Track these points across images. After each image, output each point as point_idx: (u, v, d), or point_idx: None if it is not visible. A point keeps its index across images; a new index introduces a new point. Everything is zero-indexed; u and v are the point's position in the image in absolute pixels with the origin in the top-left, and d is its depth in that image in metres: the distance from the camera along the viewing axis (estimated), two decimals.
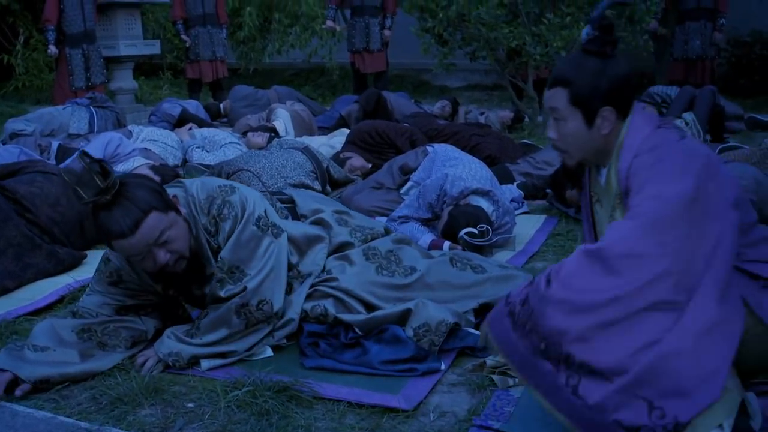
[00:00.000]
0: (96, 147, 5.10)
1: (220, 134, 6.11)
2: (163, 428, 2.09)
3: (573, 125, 2.11)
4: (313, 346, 2.50)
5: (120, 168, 5.09)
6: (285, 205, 2.98)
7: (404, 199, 4.09)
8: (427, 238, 3.59)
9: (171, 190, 2.49)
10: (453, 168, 3.84)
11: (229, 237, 2.48)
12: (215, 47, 9.38)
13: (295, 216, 2.97)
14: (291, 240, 2.69)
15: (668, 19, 8.99)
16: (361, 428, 2.06)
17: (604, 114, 2.08)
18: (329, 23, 9.67)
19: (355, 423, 2.09)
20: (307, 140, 5.78)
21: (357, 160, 5.18)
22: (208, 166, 5.37)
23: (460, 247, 3.42)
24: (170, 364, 2.42)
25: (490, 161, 5.05)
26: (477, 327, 2.54)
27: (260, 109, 7.60)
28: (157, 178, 3.94)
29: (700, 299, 1.76)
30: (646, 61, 9.53)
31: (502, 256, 3.56)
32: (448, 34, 7.63)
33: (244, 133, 6.53)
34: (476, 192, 3.68)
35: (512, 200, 4.39)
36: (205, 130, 6.26)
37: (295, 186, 4.32)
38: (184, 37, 9.33)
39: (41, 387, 2.31)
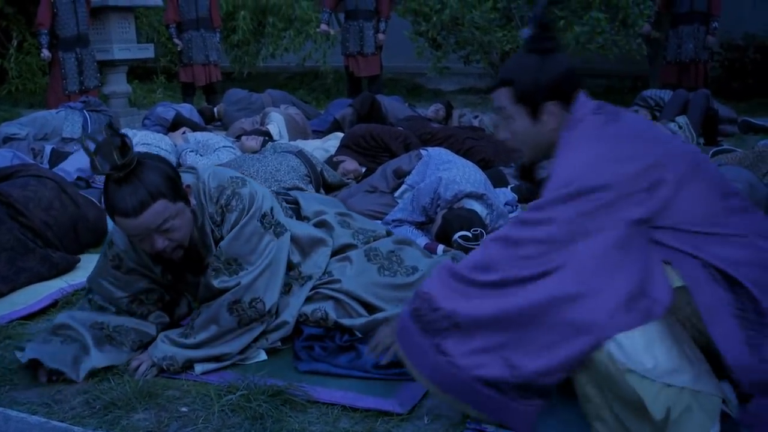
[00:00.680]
0: None
1: (214, 138, 6.10)
2: None
3: (520, 123, 2.17)
4: (308, 350, 2.49)
5: None
6: (289, 205, 2.98)
7: (398, 203, 4.09)
8: (421, 241, 3.59)
9: (185, 177, 2.49)
10: (447, 171, 3.84)
11: (232, 229, 2.48)
12: (208, 51, 9.38)
13: (299, 217, 2.97)
14: (294, 240, 2.68)
15: (661, 23, 9.02)
16: None
17: (548, 109, 2.13)
18: (323, 27, 9.68)
19: (350, 427, 2.09)
20: (301, 144, 5.78)
21: (351, 164, 5.18)
22: None
23: (454, 251, 3.42)
24: (165, 368, 2.41)
25: (484, 164, 5.06)
26: None
27: (254, 112, 7.60)
28: None
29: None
30: (639, 64, 9.56)
31: None
32: (442, 37, 7.66)
33: (238, 137, 6.52)
34: (470, 195, 3.69)
35: (506, 203, 4.39)
36: (198, 134, 6.25)
37: (288, 190, 4.32)
38: (176, 40, 9.32)
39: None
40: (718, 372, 1.88)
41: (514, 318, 1.87)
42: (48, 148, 5.44)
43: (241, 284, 2.45)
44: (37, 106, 9.77)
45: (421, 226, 3.81)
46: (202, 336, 2.45)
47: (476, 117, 7.77)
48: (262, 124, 6.86)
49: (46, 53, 8.20)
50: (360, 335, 2.55)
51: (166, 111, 7.27)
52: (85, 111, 6.80)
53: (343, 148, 5.51)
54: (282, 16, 11.96)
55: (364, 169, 5.20)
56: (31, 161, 4.83)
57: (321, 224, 2.90)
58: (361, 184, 4.61)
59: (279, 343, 2.57)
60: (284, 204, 2.90)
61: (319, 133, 6.95)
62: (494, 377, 1.86)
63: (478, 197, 3.69)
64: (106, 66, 9.06)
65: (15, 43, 11.37)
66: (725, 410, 1.86)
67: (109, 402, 2.22)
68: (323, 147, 5.92)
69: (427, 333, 1.97)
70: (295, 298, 2.64)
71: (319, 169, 4.78)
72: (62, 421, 2.15)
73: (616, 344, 1.79)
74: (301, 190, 4.40)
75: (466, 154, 5.08)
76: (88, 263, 2.99)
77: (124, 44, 9.21)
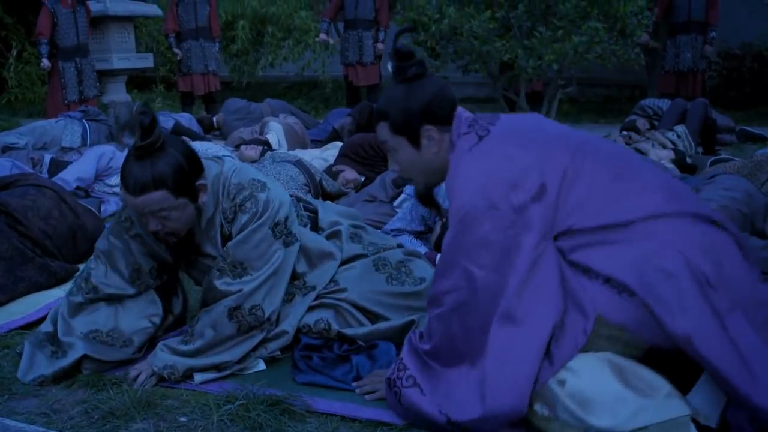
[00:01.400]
0: (89, 160, 5.10)
1: (213, 147, 6.11)
2: None
3: (403, 153, 2.21)
4: (306, 360, 2.49)
5: (113, 181, 5.09)
6: (308, 213, 2.97)
7: (397, 212, 4.09)
8: (420, 251, 3.59)
9: (208, 166, 2.53)
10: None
11: (241, 230, 2.49)
12: (207, 60, 9.39)
13: (314, 227, 2.96)
14: (303, 250, 2.68)
15: (659, 33, 9.05)
16: None
17: (426, 133, 2.16)
18: (322, 36, 9.71)
19: None
20: (300, 153, 5.79)
21: (350, 173, 5.19)
22: None
23: None
24: (165, 377, 2.41)
25: None
26: None
27: (253, 122, 7.61)
28: None
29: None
30: (637, 73, 9.58)
31: None
32: (441, 47, 7.67)
33: (237, 146, 6.53)
34: None
35: None
36: (197, 144, 6.25)
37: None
38: (175, 50, 9.34)
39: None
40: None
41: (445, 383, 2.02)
42: (47, 158, 5.44)
43: (243, 291, 2.45)
44: (37, 115, 9.78)
45: (420, 236, 3.81)
46: (201, 342, 2.45)
47: None
48: (261, 133, 6.87)
49: (45, 63, 8.22)
50: (362, 344, 2.55)
51: (165, 120, 7.27)
52: (84, 120, 6.80)
53: (342, 157, 5.51)
54: (281, 26, 11.99)
55: (363, 179, 5.21)
56: (30, 170, 4.83)
57: (333, 235, 2.89)
58: (360, 194, 4.61)
59: (278, 353, 2.57)
60: (302, 212, 2.89)
61: (318, 143, 6.95)
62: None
63: None
64: (105, 75, 9.08)
65: (14, 52, 11.38)
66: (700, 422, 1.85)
67: (108, 412, 2.22)
68: (322, 156, 5.92)
69: (392, 392, 2.12)
70: (296, 308, 2.63)
71: (318, 178, 4.78)
72: (61, 431, 2.15)
73: (566, 407, 1.83)
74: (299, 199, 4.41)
75: None
76: None
77: (123, 54, 9.24)
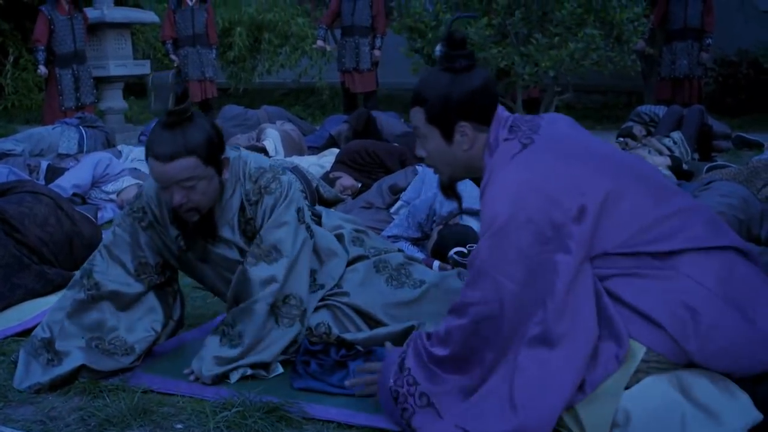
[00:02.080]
0: (85, 167, 5.10)
1: None
2: None
3: (433, 143, 2.14)
4: (305, 365, 2.48)
5: (110, 188, 5.09)
6: (313, 217, 2.99)
7: (394, 219, 4.10)
8: (417, 257, 3.59)
9: (228, 151, 2.54)
10: None
11: (270, 212, 2.51)
12: (204, 67, 9.40)
13: None
14: (314, 246, 2.69)
15: (656, 39, 9.08)
16: None
17: (460, 129, 2.08)
18: (319, 43, 9.72)
19: None
20: (296, 160, 5.79)
21: (347, 180, 5.19)
22: None
23: (450, 267, 3.42)
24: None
25: (480, 180, 5.06)
26: None
27: (250, 128, 7.60)
28: None
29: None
30: (634, 80, 9.60)
31: None
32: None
33: None
34: (466, 211, 3.69)
35: None
36: None
37: None
38: (172, 56, 9.35)
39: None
40: None
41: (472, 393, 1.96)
42: (44, 165, 5.43)
43: (277, 279, 2.47)
44: (33, 122, 9.78)
45: (416, 242, 3.82)
46: (246, 343, 2.45)
47: None
48: (258, 140, 6.86)
49: (42, 69, 8.21)
50: (361, 349, 2.55)
51: None
52: (81, 127, 6.80)
53: (339, 164, 5.51)
54: (278, 33, 12.00)
55: (360, 185, 5.21)
56: (27, 177, 4.83)
57: (337, 238, 2.91)
58: (357, 200, 4.62)
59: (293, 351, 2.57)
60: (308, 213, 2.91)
61: (315, 149, 6.95)
62: None
63: (474, 213, 3.69)
64: (102, 82, 9.06)
65: (11, 59, 11.39)
66: None
67: (104, 419, 2.21)
68: (319, 163, 5.92)
69: (399, 406, 2.05)
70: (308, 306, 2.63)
71: (314, 185, 4.78)
72: None
73: None
74: None
75: None
76: None
77: (120, 60, 9.22)
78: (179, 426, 2.20)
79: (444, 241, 3.52)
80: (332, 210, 3.79)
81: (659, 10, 8.78)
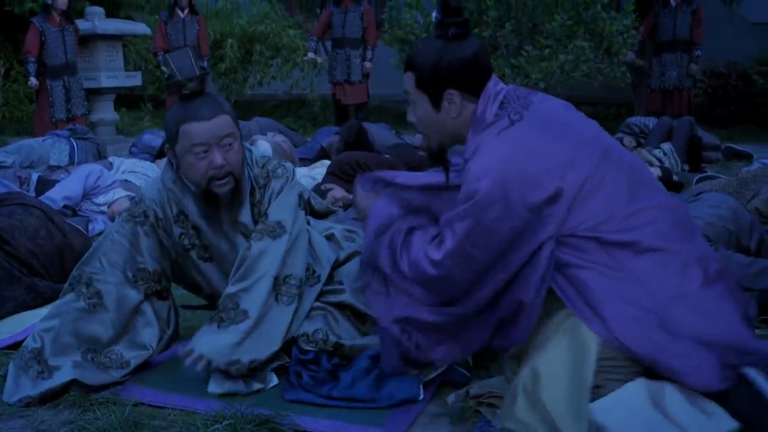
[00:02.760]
0: (76, 179, 5.09)
1: None
2: None
3: (422, 109, 2.16)
4: (297, 376, 2.47)
5: (101, 200, 5.08)
6: None
7: None
8: None
9: None
10: None
11: (275, 195, 2.62)
12: None
13: None
14: (309, 241, 2.75)
15: (645, 51, 9.13)
16: None
17: (448, 97, 2.09)
18: (310, 55, 9.74)
19: None
20: None
21: (338, 192, 5.19)
22: None
23: None
24: (232, 372, 2.43)
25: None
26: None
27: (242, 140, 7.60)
28: None
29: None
30: (624, 91, 9.66)
31: None
32: None
33: None
34: None
35: None
36: None
37: None
38: (164, 68, 9.35)
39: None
40: None
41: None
42: (34, 176, 5.42)
43: (279, 252, 2.53)
44: (24, 133, 9.76)
45: None
46: (251, 321, 2.46)
47: None
48: None
49: (33, 81, 8.20)
50: (356, 348, 2.56)
51: (154, 138, 7.26)
52: (72, 139, 6.79)
53: (330, 175, 5.52)
54: (269, 45, 12.02)
55: (351, 197, 5.21)
56: (17, 189, 4.81)
57: (328, 238, 2.98)
58: (349, 212, 4.61)
59: (286, 358, 2.57)
60: None
61: (306, 161, 6.96)
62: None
63: None
64: (93, 94, 9.05)
65: (2, 70, 11.37)
66: None
67: None
68: (310, 175, 5.93)
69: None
70: (304, 304, 2.63)
71: (306, 196, 4.77)
72: None
73: None
74: None
75: None
76: None
77: (111, 72, 9.21)
78: None
79: None
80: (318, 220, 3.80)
81: (649, 22, 8.83)
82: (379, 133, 7.31)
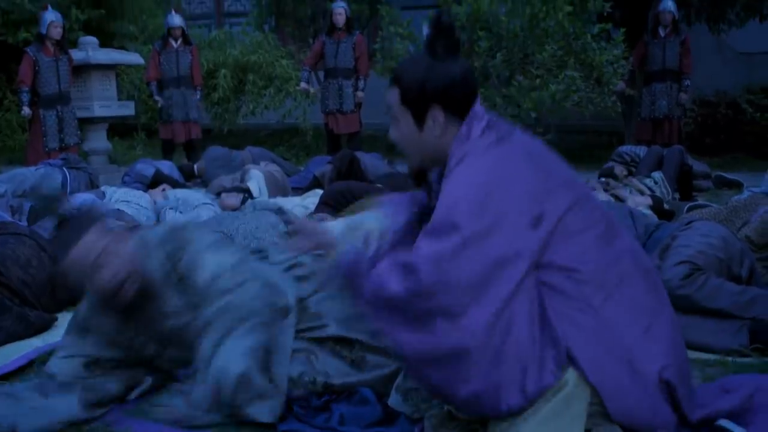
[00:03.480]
0: None
1: (194, 195, 6.10)
2: None
3: (405, 126, 2.09)
4: (288, 408, 2.46)
5: None
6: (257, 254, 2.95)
7: None
8: None
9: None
10: None
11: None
12: (188, 109, 9.43)
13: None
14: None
15: (635, 81, 9.21)
16: None
17: (433, 115, 2.04)
18: (303, 85, 9.80)
19: None
20: (280, 201, 5.80)
21: (330, 221, 5.19)
22: None
23: None
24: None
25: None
26: None
27: (234, 169, 7.62)
28: None
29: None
30: (614, 121, 9.72)
31: None
32: None
33: (218, 194, 6.53)
34: None
35: None
36: (178, 191, 6.25)
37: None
38: (157, 97, 9.39)
39: None
40: None
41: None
42: (27, 206, 5.41)
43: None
44: (17, 162, 9.74)
45: None
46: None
47: None
48: (242, 181, 6.88)
49: (26, 110, 8.22)
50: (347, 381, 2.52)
51: (146, 168, 7.27)
52: (64, 168, 6.79)
53: (323, 205, 5.53)
54: (262, 74, 12.08)
55: None
56: (10, 219, 4.81)
57: (293, 266, 2.80)
58: None
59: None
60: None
61: (299, 191, 6.97)
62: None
63: None
64: (86, 123, 9.07)
65: None
66: None
67: None
68: (303, 204, 5.93)
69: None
70: (281, 342, 2.53)
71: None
72: None
73: None
74: None
75: None
76: (65, 322, 2.96)
77: (104, 101, 9.23)
78: None
79: None
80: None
81: (638, 52, 8.93)
82: (372, 162, 7.34)
